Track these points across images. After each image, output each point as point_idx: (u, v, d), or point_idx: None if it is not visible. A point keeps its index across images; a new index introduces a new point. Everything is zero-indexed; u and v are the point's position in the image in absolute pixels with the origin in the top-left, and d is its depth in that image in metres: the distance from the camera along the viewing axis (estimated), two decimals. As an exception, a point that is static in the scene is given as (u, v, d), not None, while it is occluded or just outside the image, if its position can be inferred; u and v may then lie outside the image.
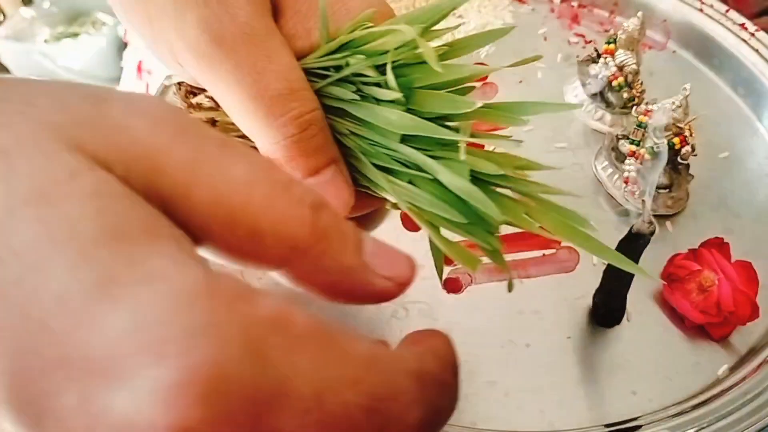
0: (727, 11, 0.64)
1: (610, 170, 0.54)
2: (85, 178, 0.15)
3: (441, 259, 0.34)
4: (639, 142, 0.52)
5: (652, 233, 0.41)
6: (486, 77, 0.63)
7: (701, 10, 0.64)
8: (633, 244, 0.42)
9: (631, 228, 0.42)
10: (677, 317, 0.47)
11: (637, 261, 0.43)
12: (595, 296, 0.47)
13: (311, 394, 0.15)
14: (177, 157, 0.16)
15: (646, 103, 0.53)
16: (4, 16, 1.82)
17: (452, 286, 0.49)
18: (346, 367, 0.16)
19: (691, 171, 0.53)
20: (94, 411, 0.13)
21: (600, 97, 0.59)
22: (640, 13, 0.55)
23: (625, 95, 0.57)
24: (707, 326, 0.46)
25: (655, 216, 0.51)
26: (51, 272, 0.14)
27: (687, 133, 0.50)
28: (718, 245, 0.47)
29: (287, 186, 0.18)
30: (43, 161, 0.15)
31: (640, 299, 0.48)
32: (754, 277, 0.47)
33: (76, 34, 1.57)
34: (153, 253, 0.15)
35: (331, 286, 0.20)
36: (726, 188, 0.55)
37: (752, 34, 0.62)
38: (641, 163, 0.52)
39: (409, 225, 0.52)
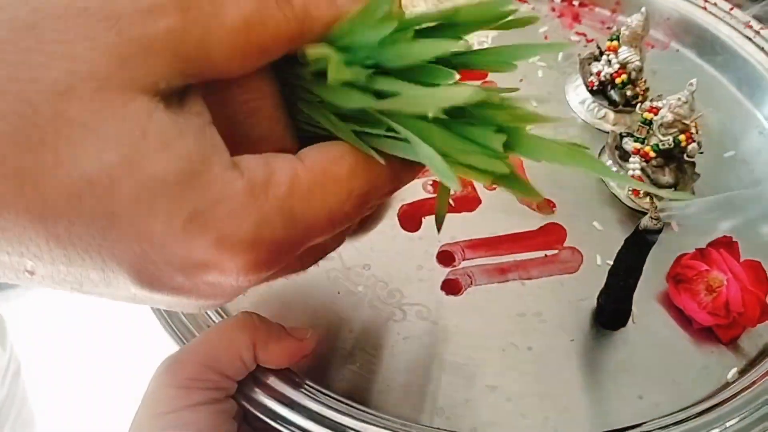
0: (732, 9, 0.63)
1: (614, 169, 0.53)
2: (153, 129, 0.19)
3: (445, 203, 0.31)
4: (644, 139, 0.51)
5: (659, 230, 0.39)
6: (486, 75, 0.62)
7: (705, 8, 0.63)
8: (640, 242, 0.41)
9: (638, 225, 0.40)
10: (684, 319, 0.46)
11: (644, 260, 0.42)
12: (599, 297, 0.45)
13: (325, 223, 0.23)
14: (189, 36, 0.20)
15: (651, 100, 0.51)
16: None
17: (451, 287, 0.47)
18: (341, 190, 0.23)
19: (696, 170, 0.51)
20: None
21: (602, 94, 0.58)
22: (643, 9, 0.54)
23: (629, 93, 0.56)
24: (716, 328, 0.45)
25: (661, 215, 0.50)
26: (155, 223, 0.19)
27: (693, 130, 0.49)
28: (727, 244, 0.46)
29: (263, 3, 0.21)
30: (117, 124, 0.19)
31: (645, 300, 0.47)
32: (763, 277, 0.45)
33: None
34: (212, 180, 0.20)
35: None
36: (732, 187, 0.53)
37: (757, 32, 0.60)
38: (646, 162, 0.50)
39: (407, 225, 0.51)
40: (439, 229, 0.30)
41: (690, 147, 0.49)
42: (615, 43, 0.56)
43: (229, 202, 0.20)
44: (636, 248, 0.41)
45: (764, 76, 0.58)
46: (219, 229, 0.20)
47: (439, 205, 0.30)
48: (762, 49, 0.59)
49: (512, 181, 0.24)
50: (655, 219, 0.39)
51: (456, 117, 0.22)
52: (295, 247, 0.23)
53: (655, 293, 0.47)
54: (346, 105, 0.23)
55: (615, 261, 0.43)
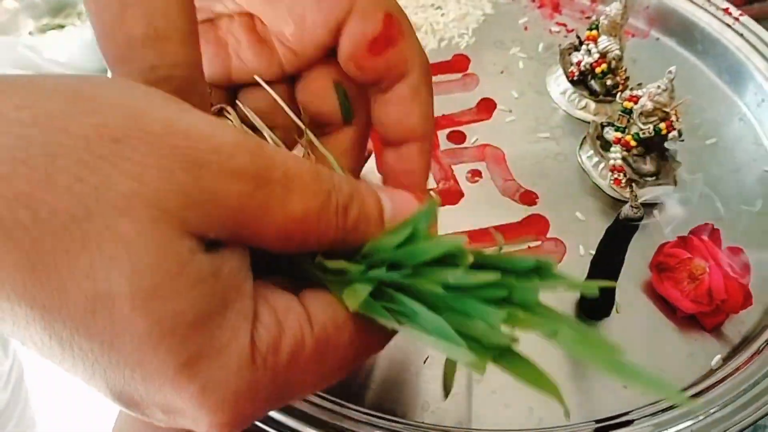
0: (711, -4, 0.63)
1: (595, 159, 0.53)
2: (191, 268, 0.20)
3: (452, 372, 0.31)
4: (625, 128, 0.51)
5: (639, 219, 0.39)
6: (467, 68, 0.62)
7: (684, -4, 0.63)
8: (621, 231, 0.41)
9: (618, 214, 0.40)
10: (668, 308, 0.46)
11: (625, 249, 0.42)
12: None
13: (312, 388, 0.24)
14: (253, 208, 0.21)
15: (631, 89, 0.51)
16: None
17: None
18: (337, 359, 0.24)
19: (678, 158, 0.51)
20: None
21: (583, 85, 0.58)
22: (623, -4, 0.54)
23: (609, 82, 0.56)
24: (699, 316, 0.45)
25: (642, 204, 0.50)
26: (153, 359, 0.19)
27: (673, 118, 0.49)
28: (709, 232, 0.46)
29: (325, 206, 0.23)
30: (160, 254, 0.19)
31: (629, 290, 0.47)
32: (745, 263, 0.45)
33: (61, 26, 1.55)
34: (223, 327, 0.21)
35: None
36: (714, 175, 0.54)
37: (736, 19, 0.60)
38: (627, 150, 0.50)
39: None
40: (446, 396, 0.29)
41: (671, 135, 0.49)
42: (594, 32, 0.56)
43: (228, 357, 0.21)
44: (617, 237, 0.41)
45: (744, 62, 0.58)
46: (207, 380, 0.20)
47: (446, 375, 0.29)
48: (741, 35, 0.59)
49: (517, 363, 0.24)
50: (635, 207, 0.39)
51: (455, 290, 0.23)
52: (273, 407, 0.23)
53: (638, 282, 0.47)
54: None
55: (597, 251, 0.43)
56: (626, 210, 0.39)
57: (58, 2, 1.62)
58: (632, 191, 0.39)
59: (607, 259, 0.42)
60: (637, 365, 0.21)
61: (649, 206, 0.51)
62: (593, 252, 0.45)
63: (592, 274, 0.44)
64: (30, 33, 1.71)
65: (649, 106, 0.49)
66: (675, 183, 0.52)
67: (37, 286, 0.18)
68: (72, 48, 1.49)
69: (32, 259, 0.18)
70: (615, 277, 0.43)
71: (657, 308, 0.46)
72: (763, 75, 0.57)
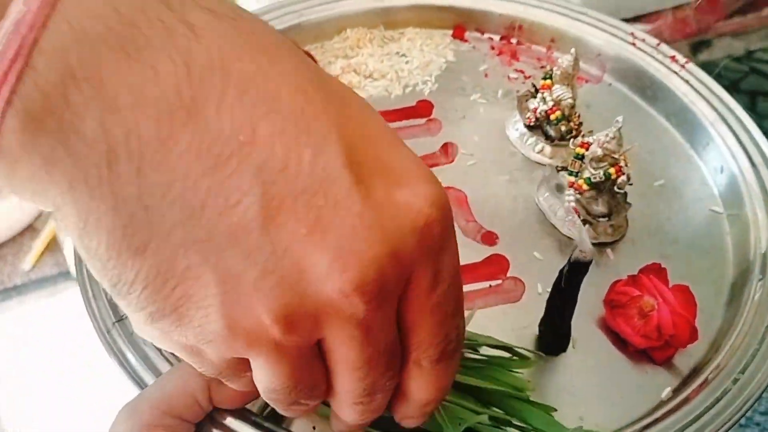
0: (659, 45, 0.67)
1: (551, 201, 0.56)
2: None
3: None
4: (577, 173, 0.54)
5: (589, 262, 0.42)
6: (430, 113, 0.65)
7: (634, 44, 0.67)
8: (572, 273, 0.43)
9: (570, 257, 0.43)
10: (620, 342, 0.48)
11: (578, 289, 0.44)
12: (540, 324, 0.48)
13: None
14: None
15: (583, 136, 0.54)
16: None
17: None
18: None
19: (628, 199, 0.54)
20: None
21: (539, 129, 0.61)
22: (573, 50, 0.57)
23: (563, 128, 0.59)
24: (649, 350, 0.47)
25: (596, 244, 0.53)
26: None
27: (622, 163, 0.52)
28: (656, 270, 0.49)
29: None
30: None
31: (584, 326, 0.49)
32: (691, 300, 0.48)
33: None
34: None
35: None
36: (663, 215, 0.57)
37: (682, 66, 0.64)
38: (580, 194, 0.53)
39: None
40: None
41: (620, 180, 0.52)
42: (549, 81, 0.59)
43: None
44: (569, 278, 0.43)
45: (689, 108, 0.62)
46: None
47: None
48: (687, 81, 0.63)
49: None
50: (584, 252, 0.42)
51: None
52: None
53: (593, 318, 0.50)
54: None
55: (552, 290, 0.46)
56: (576, 254, 0.42)
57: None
58: (582, 237, 0.42)
59: (561, 298, 0.45)
60: None
61: (602, 245, 0.54)
62: (549, 290, 0.48)
63: (549, 312, 0.47)
64: None
65: (599, 152, 0.52)
66: (626, 223, 0.55)
67: None
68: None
69: None
70: (569, 313, 0.45)
71: (610, 342, 0.49)
72: (707, 119, 0.61)
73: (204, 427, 0.40)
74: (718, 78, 0.63)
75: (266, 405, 0.42)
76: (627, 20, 0.80)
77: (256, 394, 0.40)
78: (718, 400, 0.43)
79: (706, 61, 0.77)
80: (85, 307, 0.46)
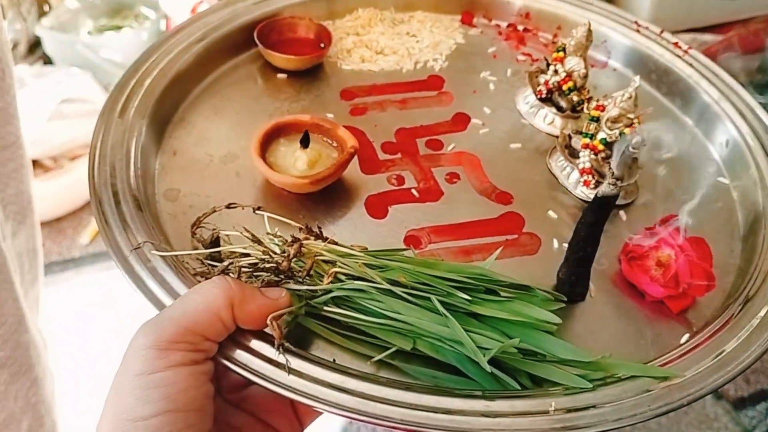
0: (662, 32, 0.69)
1: (564, 165, 0.56)
2: None
3: None
4: (592, 135, 0.55)
5: (616, 195, 0.43)
6: (442, 87, 0.66)
7: (638, 31, 0.69)
8: (599, 209, 0.44)
9: (597, 193, 0.43)
10: (637, 294, 0.49)
11: (602, 227, 0.45)
12: (559, 272, 0.48)
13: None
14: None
15: (597, 100, 0.55)
16: (50, 6, 1.81)
17: (412, 242, 0.51)
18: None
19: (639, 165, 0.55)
20: None
21: (550, 102, 0.62)
22: (586, 21, 0.59)
23: (575, 98, 0.60)
24: (667, 300, 0.48)
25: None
26: None
27: (637, 124, 0.53)
28: (674, 223, 0.49)
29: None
30: None
31: (600, 281, 0.49)
32: (707, 251, 0.49)
33: (119, 27, 1.62)
34: None
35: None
36: (672, 183, 0.58)
37: (685, 51, 0.66)
38: (595, 154, 0.54)
39: (374, 212, 0.53)
40: None
41: (635, 140, 0.53)
42: (561, 53, 0.60)
43: None
44: (595, 215, 0.44)
45: (694, 87, 0.64)
46: None
47: None
48: (691, 65, 0.65)
49: None
50: (612, 184, 0.42)
51: None
52: None
53: (609, 274, 0.50)
54: None
55: (575, 232, 0.46)
56: (604, 188, 0.43)
57: (117, 4, 1.69)
58: (610, 169, 0.42)
59: (584, 238, 0.45)
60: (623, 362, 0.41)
61: (618, 208, 0.55)
62: (566, 245, 0.48)
63: (569, 257, 0.47)
64: (89, 32, 1.75)
65: (615, 112, 0.53)
66: (637, 188, 0.56)
67: None
68: (127, 48, 1.56)
69: None
70: (593, 254, 0.46)
71: (627, 295, 0.49)
72: (712, 97, 0.62)
73: (227, 349, 0.39)
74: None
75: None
76: (697, 30, 0.82)
77: (278, 313, 0.39)
78: (739, 338, 0.43)
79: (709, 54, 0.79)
80: (102, 236, 0.45)
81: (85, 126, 1.60)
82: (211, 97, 0.62)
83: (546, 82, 0.61)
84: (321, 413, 0.42)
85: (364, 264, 0.42)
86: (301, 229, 0.44)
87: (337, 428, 1.16)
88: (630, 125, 0.53)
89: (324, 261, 0.42)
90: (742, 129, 0.59)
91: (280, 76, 0.65)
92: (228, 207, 0.47)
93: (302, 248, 0.42)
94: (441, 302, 0.40)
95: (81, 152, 1.63)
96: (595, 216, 0.44)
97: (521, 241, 0.52)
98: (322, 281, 0.41)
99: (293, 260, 0.41)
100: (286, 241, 0.42)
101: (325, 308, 0.41)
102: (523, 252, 0.51)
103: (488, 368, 0.39)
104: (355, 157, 0.56)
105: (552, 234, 0.52)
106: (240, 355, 0.39)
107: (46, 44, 1.79)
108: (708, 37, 0.71)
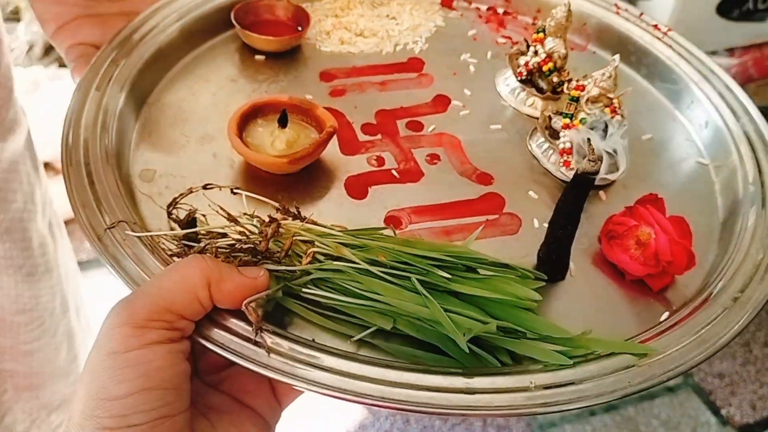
0: (641, 14, 0.69)
1: (545, 146, 0.56)
2: None
3: None
4: (572, 115, 0.54)
5: (596, 172, 0.42)
6: (422, 69, 0.65)
7: (617, 13, 0.69)
8: (579, 186, 0.43)
9: (576, 171, 0.43)
10: (617, 274, 0.49)
11: (581, 207, 0.44)
12: (540, 251, 0.48)
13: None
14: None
15: (577, 80, 0.55)
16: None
17: (393, 222, 0.51)
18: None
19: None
20: None
21: (530, 83, 0.62)
22: (566, 0, 0.58)
23: (555, 79, 0.60)
24: (647, 279, 0.48)
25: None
26: None
27: (616, 104, 0.53)
28: (653, 201, 0.49)
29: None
30: None
31: (580, 260, 0.49)
32: (687, 230, 0.49)
33: None
34: None
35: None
36: (652, 164, 0.58)
37: (665, 33, 0.66)
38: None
39: (353, 193, 0.52)
40: None
41: (615, 119, 0.53)
42: (541, 35, 0.60)
43: None
44: (575, 193, 0.44)
45: (673, 69, 0.64)
46: None
47: None
48: (670, 47, 0.65)
49: None
50: (593, 161, 0.42)
51: None
52: None
53: (589, 254, 0.50)
54: None
55: (555, 210, 0.46)
56: (584, 164, 0.43)
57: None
58: (590, 145, 0.42)
59: (565, 216, 0.45)
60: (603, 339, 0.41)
61: (595, 188, 0.55)
62: (547, 225, 0.48)
63: (549, 236, 0.47)
64: None
65: (595, 92, 0.53)
66: (617, 167, 0.56)
67: None
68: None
69: None
70: (573, 232, 0.46)
71: (607, 275, 0.49)
72: (692, 79, 0.62)
73: (204, 328, 0.38)
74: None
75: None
76: (712, 54, 0.82)
77: (255, 293, 0.39)
78: (718, 316, 0.43)
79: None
80: (75, 215, 0.44)
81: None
82: (188, 78, 0.61)
83: (526, 64, 0.61)
84: (300, 393, 0.42)
85: (343, 243, 0.41)
86: (278, 209, 0.43)
87: None
88: (609, 105, 0.53)
89: (302, 241, 0.41)
90: (721, 110, 0.59)
91: (258, 57, 0.64)
92: (205, 188, 0.46)
93: (280, 228, 0.41)
94: (420, 281, 0.40)
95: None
96: (575, 193, 0.44)
97: (502, 221, 0.52)
98: (300, 262, 0.40)
99: (271, 240, 0.41)
100: (264, 221, 0.42)
101: (304, 290, 0.41)
102: (503, 232, 0.51)
103: (466, 348, 0.38)
104: (335, 139, 0.56)
105: (532, 214, 0.52)
106: (217, 334, 0.38)
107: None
108: (724, 60, 0.72)
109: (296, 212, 0.43)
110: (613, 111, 0.53)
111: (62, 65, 1.78)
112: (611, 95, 0.53)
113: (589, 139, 0.42)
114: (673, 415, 1.38)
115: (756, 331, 1.55)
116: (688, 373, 1.42)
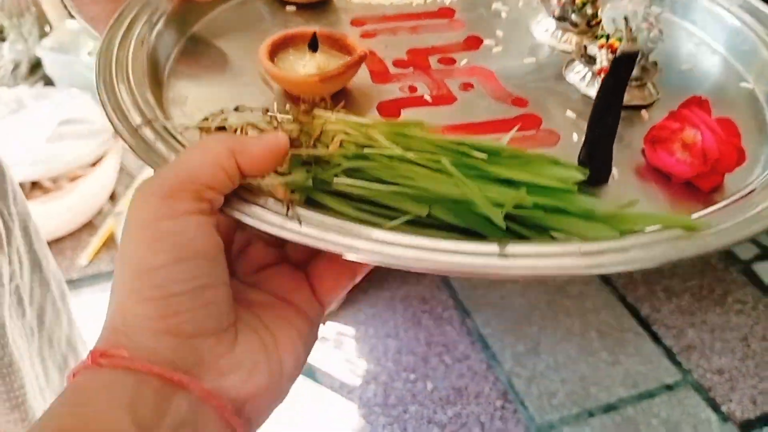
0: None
1: (583, 71, 0.55)
2: None
3: None
4: (608, 36, 0.53)
5: (636, 53, 0.41)
6: (453, 17, 0.65)
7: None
8: (619, 70, 0.42)
9: (616, 54, 0.42)
10: (663, 179, 0.47)
11: (623, 92, 0.43)
12: (580, 154, 0.46)
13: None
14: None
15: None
16: (51, 27, 1.83)
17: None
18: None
19: (658, 80, 0.54)
20: None
21: (564, 20, 0.61)
22: (598, -70, 0.58)
23: (589, 11, 0.59)
24: (696, 180, 0.45)
25: (630, 106, 0.52)
26: None
27: (653, 20, 0.52)
28: (698, 103, 0.47)
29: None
30: None
31: (624, 170, 0.47)
32: (735, 131, 0.46)
33: None
34: None
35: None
36: (693, 89, 0.56)
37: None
38: (613, 53, 0.53)
39: (386, 115, 0.51)
40: None
41: (651, 33, 0.52)
42: (574, -31, 0.60)
43: None
44: (615, 79, 0.42)
45: (711, 9, 0.63)
46: None
47: None
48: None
49: None
50: (632, 40, 0.41)
51: None
52: None
53: (631, 164, 0.48)
54: None
55: (594, 105, 0.44)
56: (623, 46, 0.41)
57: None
58: (628, 26, 0.41)
59: (606, 108, 0.43)
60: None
61: (636, 108, 0.53)
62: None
63: (591, 132, 0.45)
64: (89, 53, 1.75)
65: (630, 8, 0.51)
66: (657, 91, 0.55)
67: None
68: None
69: None
70: (614, 126, 0.44)
71: (652, 180, 0.47)
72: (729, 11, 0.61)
73: (235, 203, 0.38)
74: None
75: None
76: None
77: (283, 152, 0.38)
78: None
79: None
80: (107, 114, 0.44)
81: (84, 147, 1.62)
82: (220, 28, 0.61)
83: (559, 0, 0.60)
84: (341, 291, 0.41)
85: (375, 131, 0.40)
86: (306, 101, 0.42)
87: None
88: (646, 20, 0.52)
89: (333, 130, 0.40)
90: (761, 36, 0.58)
91: (289, 8, 0.64)
92: (236, 110, 0.46)
93: (314, 118, 0.41)
94: (455, 164, 0.39)
95: (80, 173, 1.63)
96: (615, 78, 0.42)
97: (539, 137, 0.50)
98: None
99: (303, 129, 0.40)
100: (298, 112, 0.41)
101: (336, 180, 0.40)
102: (541, 145, 0.49)
103: (503, 224, 0.37)
104: (366, 72, 0.55)
105: (571, 129, 0.50)
106: (248, 209, 0.37)
107: (47, 65, 1.82)
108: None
109: (327, 105, 0.43)
110: (650, 26, 0.51)
111: (48, 83, 1.80)
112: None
113: (626, 18, 0.41)
114: (673, 414, 1.35)
115: (754, 326, 1.51)
116: (686, 369, 1.40)
